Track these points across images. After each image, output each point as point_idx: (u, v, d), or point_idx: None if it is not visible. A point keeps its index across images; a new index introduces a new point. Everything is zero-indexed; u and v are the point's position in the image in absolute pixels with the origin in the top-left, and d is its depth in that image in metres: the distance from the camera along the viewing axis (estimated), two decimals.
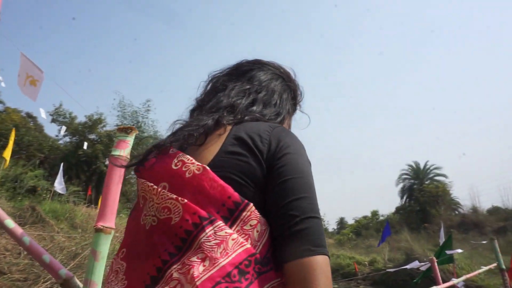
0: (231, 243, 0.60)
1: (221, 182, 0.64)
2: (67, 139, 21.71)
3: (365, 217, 32.92)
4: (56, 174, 10.42)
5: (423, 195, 27.35)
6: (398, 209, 30.62)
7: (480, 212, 24.48)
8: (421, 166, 31.34)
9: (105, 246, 1.22)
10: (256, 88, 0.84)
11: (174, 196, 0.65)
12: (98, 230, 1.21)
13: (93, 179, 19.17)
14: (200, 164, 0.67)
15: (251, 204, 0.64)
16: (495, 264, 4.50)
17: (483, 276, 9.98)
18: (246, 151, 0.68)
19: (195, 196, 0.64)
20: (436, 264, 3.47)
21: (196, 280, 0.56)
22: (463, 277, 4.23)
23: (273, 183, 0.66)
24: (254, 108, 0.80)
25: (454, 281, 3.93)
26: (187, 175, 0.66)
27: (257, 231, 0.63)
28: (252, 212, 0.64)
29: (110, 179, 1.26)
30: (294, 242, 0.61)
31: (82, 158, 19.46)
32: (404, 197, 31.21)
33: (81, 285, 1.25)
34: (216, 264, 0.58)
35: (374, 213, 32.41)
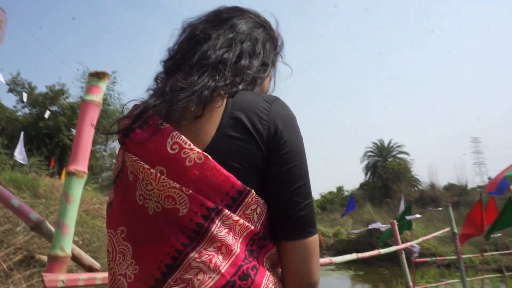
0: (238, 228, 0.65)
1: (224, 171, 0.64)
2: (27, 110, 20.60)
3: (330, 193, 34.03)
4: (15, 146, 9.93)
5: (386, 171, 28.56)
6: (362, 185, 31.86)
7: (437, 188, 26.01)
8: (385, 144, 32.56)
9: (78, 190, 1.21)
10: (240, 37, 0.79)
11: (177, 185, 0.64)
12: (71, 174, 1.20)
13: (55, 152, 18.41)
14: (201, 152, 0.65)
15: (252, 190, 0.66)
16: (448, 229, 4.85)
17: (437, 244, 10.75)
18: (246, 135, 0.67)
19: (197, 185, 0.64)
20: (396, 226, 3.69)
21: (220, 268, 0.61)
22: (420, 239, 4.54)
23: (277, 169, 0.68)
24: (243, 62, 0.76)
25: (411, 242, 4.21)
26: (187, 163, 0.64)
27: (257, 213, 0.67)
28: (253, 198, 0.66)
29: (82, 123, 1.24)
30: (298, 225, 0.68)
31: (43, 131, 18.58)
32: (368, 174, 32.47)
33: (53, 229, 1.24)
34: (233, 251, 0.63)
35: (339, 189, 33.57)
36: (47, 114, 11.75)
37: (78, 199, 1.22)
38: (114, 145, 20.30)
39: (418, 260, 6.75)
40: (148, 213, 0.66)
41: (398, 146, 32.16)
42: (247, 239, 0.66)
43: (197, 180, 0.64)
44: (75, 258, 1.20)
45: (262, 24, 0.87)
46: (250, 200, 0.66)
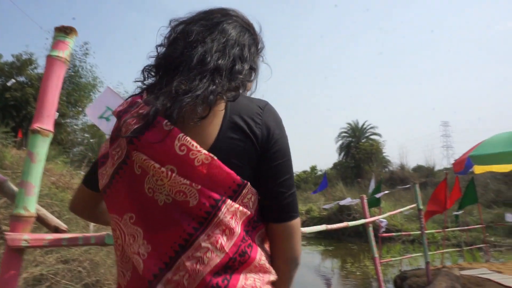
0: (239, 214, 0.76)
1: (227, 169, 0.75)
2: None
3: (304, 172, 34.68)
4: None
5: (359, 152, 29.29)
6: (335, 165, 32.61)
7: (406, 169, 27.00)
8: (360, 125, 33.22)
9: (43, 149, 1.17)
10: (231, 43, 0.86)
11: (188, 181, 0.73)
12: (35, 132, 1.15)
13: (23, 125, 17.65)
14: (207, 153, 0.74)
15: (248, 183, 0.78)
16: (414, 205, 5.07)
17: (403, 222, 11.25)
18: (243, 136, 0.77)
19: (205, 181, 0.74)
20: (365, 201, 3.82)
21: (225, 247, 0.72)
22: (387, 214, 4.72)
23: (267, 165, 0.80)
24: (236, 68, 0.84)
25: (378, 216, 4.38)
26: (196, 163, 0.74)
27: (252, 201, 0.79)
28: (249, 189, 0.78)
29: (47, 80, 1.19)
30: (284, 210, 0.82)
31: (9, 102, 17.69)
32: (342, 154, 33.19)
33: (15, 188, 1.20)
34: (234, 233, 0.75)
35: (313, 168, 34.25)
36: (10, 82, 11.12)
37: (43, 159, 1.17)
38: (86, 119, 19.68)
39: (385, 234, 7.08)
40: (158, 204, 0.75)
41: (371, 128, 32.91)
42: (245, 222, 0.78)
43: (205, 177, 0.74)
44: (40, 219, 1.17)
45: (247, 28, 0.94)
46: (247, 191, 0.78)
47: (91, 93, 19.71)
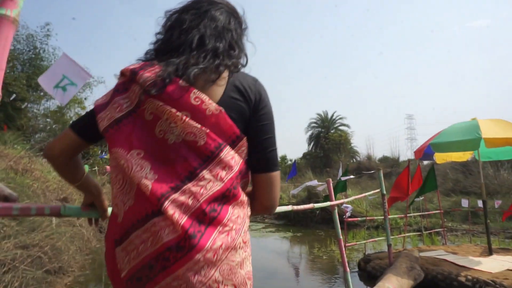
0: (237, 158, 0.93)
1: (230, 121, 0.91)
2: None
3: None
4: None
5: (328, 142, 29.87)
6: (305, 155, 33.12)
7: (373, 160, 27.89)
8: (329, 116, 33.83)
9: None
10: (220, 27, 1.02)
11: (199, 125, 0.88)
12: None
13: None
14: (217, 106, 0.91)
15: (245, 137, 0.94)
16: (378, 190, 5.25)
17: (368, 209, 11.63)
18: (242, 98, 0.96)
19: (212, 128, 0.89)
20: (331, 184, 3.90)
21: (224, 179, 0.88)
22: (352, 197, 4.86)
23: (256, 124, 0.98)
24: (230, 49, 1.02)
25: (344, 200, 4.50)
26: (207, 112, 0.89)
27: (244, 153, 0.96)
28: (244, 143, 0.94)
29: None
30: (268, 162, 1.00)
31: None
32: (311, 144, 33.74)
33: None
34: (232, 170, 0.90)
35: (283, 158, 34.60)
36: None
37: None
38: (48, 104, 18.79)
39: (350, 219, 7.30)
40: (167, 143, 0.88)
41: (340, 118, 33.62)
42: (240, 167, 0.93)
43: (213, 125, 0.89)
44: None
45: (232, 12, 1.09)
46: (242, 143, 0.94)
47: None
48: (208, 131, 0.88)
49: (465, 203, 9.13)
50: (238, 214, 0.90)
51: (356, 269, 6.00)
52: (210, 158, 0.88)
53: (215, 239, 0.82)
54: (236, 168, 0.91)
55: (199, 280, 0.79)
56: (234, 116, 0.93)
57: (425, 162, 15.53)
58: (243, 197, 0.95)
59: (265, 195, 1.01)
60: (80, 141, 1.00)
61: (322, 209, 12.11)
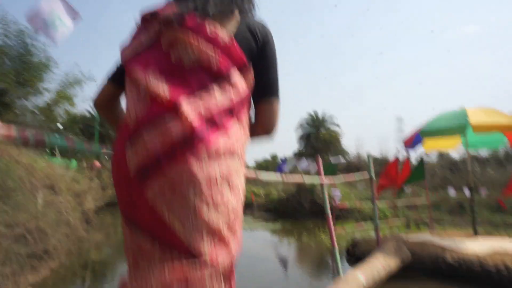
0: (244, 85, 1.01)
1: (240, 52, 1.00)
2: None
3: (265, 161, 35.04)
4: None
5: (318, 142, 30.06)
6: (295, 154, 33.23)
7: (362, 159, 28.10)
8: (320, 116, 34.02)
9: None
10: None
11: (213, 52, 0.96)
12: None
13: None
14: (231, 38, 1.00)
15: (251, 68, 1.03)
16: (367, 176, 5.29)
17: (357, 202, 11.71)
18: (252, 36, 1.06)
19: (226, 57, 0.98)
20: (320, 162, 3.93)
21: (233, 99, 0.96)
22: (342, 180, 4.87)
23: (262, 62, 1.09)
24: None
25: (333, 178, 4.52)
26: (221, 42, 0.97)
27: (250, 82, 1.04)
28: (250, 73, 1.04)
29: None
30: (271, 88, 1.11)
31: None
32: (302, 143, 33.88)
33: None
34: (239, 94, 0.98)
35: (274, 157, 34.68)
36: None
37: None
38: (37, 101, 18.44)
39: (339, 206, 7.35)
40: (182, 63, 0.96)
41: (330, 118, 33.80)
42: (245, 96, 1.01)
43: (226, 52, 0.98)
44: None
45: None
46: (249, 73, 1.03)
47: (43, 73, 18.50)
48: (220, 57, 0.97)
49: (452, 193, 9.27)
50: (240, 133, 0.99)
51: (345, 255, 6.04)
52: (220, 77, 0.97)
53: (219, 139, 0.91)
54: (242, 94, 1.00)
55: (202, 172, 0.86)
56: (244, 50, 1.03)
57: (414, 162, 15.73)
58: (245, 124, 1.03)
59: (266, 118, 1.12)
60: (114, 88, 1.13)
61: (311, 201, 12.17)
